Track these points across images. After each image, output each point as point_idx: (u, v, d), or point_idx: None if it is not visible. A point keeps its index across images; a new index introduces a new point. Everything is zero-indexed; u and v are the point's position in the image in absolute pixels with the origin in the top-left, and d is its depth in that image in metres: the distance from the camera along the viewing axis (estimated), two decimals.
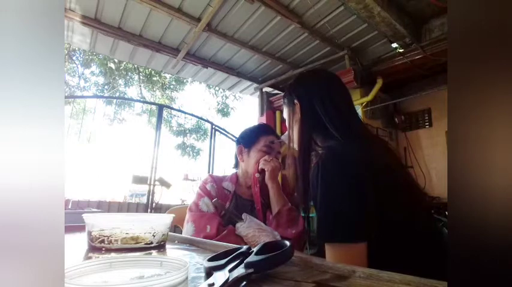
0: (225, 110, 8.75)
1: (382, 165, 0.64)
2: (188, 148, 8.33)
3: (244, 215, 0.91)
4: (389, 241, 0.56)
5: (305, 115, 0.74)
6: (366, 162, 0.60)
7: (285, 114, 0.83)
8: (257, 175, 1.05)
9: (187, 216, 0.99)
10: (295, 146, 0.76)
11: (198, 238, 0.72)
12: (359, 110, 2.72)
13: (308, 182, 0.65)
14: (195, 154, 8.36)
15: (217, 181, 1.09)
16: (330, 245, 0.56)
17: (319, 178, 0.59)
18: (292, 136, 0.77)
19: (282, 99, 0.86)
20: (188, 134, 8.45)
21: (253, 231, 0.85)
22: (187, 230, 0.96)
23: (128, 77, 8.01)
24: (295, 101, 0.76)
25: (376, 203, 0.56)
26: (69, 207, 3.01)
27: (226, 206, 1.04)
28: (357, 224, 0.55)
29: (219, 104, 8.79)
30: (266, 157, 1.04)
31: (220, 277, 0.35)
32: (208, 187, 1.05)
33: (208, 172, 4.00)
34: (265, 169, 1.03)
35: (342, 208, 0.56)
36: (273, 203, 1.04)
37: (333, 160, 0.60)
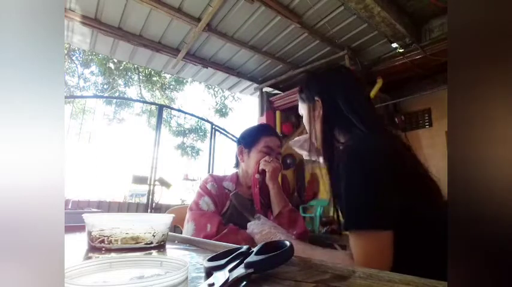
0: (223, 110, 8.74)
1: (404, 156, 0.65)
2: (188, 148, 8.32)
3: (257, 215, 0.89)
4: (409, 235, 0.56)
5: (327, 110, 0.74)
6: (389, 152, 0.61)
7: (303, 111, 0.83)
8: (257, 175, 1.04)
9: (188, 215, 0.99)
10: (318, 143, 0.77)
11: (198, 238, 0.72)
12: None
13: (333, 176, 0.66)
14: (194, 154, 8.35)
15: (217, 180, 1.09)
16: (356, 234, 0.57)
17: (345, 170, 0.59)
18: (313, 133, 0.77)
19: (297, 96, 0.85)
20: (188, 134, 8.44)
21: (269, 228, 0.83)
22: (188, 229, 0.96)
23: (128, 77, 8.00)
24: (316, 97, 0.76)
25: (398, 193, 0.57)
26: (69, 207, 3.00)
27: (227, 206, 1.04)
28: (382, 212, 0.56)
29: (217, 104, 8.79)
30: (266, 158, 1.04)
31: (220, 277, 0.35)
32: (208, 186, 1.06)
33: (209, 172, 4.00)
34: (266, 170, 1.03)
35: (366, 196, 0.56)
36: (273, 204, 1.04)
37: (356, 149, 0.61)
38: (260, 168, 1.04)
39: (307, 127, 0.80)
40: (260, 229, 0.84)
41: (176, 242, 0.70)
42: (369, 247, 0.55)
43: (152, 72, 7.71)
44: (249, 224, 0.88)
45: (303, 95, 0.82)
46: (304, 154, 0.88)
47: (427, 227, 0.58)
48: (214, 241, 0.67)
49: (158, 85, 8.31)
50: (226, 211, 1.03)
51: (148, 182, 3.35)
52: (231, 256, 0.41)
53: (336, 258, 0.63)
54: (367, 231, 0.56)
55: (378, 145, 0.62)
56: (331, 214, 2.58)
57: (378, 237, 0.55)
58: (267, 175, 1.03)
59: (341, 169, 0.60)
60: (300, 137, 0.92)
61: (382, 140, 0.65)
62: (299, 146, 0.90)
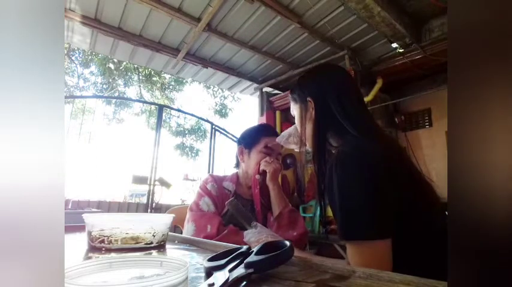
0: (223, 111, 8.73)
1: (399, 161, 0.63)
2: (187, 149, 8.32)
3: (253, 223, 0.87)
4: (407, 240, 0.55)
5: (319, 112, 0.72)
6: (384, 157, 0.59)
7: (295, 112, 0.80)
8: (257, 176, 1.04)
9: (188, 216, 0.99)
10: (309, 144, 0.74)
11: (198, 238, 0.72)
12: None
13: (324, 180, 0.64)
14: (193, 155, 8.35)
15: (217, 180, 1.09)
16: (353, 244, 0.55)
17: (337, 177, 0.57)
18: (304, 134, 0.75)
19: (289, 96, 0.83)
20: (187, 135, 8.44)
21: (266, 237, 0.81)
22: (188, 229, 0.96)
23: (128, 77, 8.00)
24: (308, 98, 0.74)
25: (395, 199, 0.55)
26: (69, 207, 3.01)
27: (227, 206, 1.04)
28: (380, 220, 0.54)
29: (216, 104, 8.78)
30: (267, 158, 1.04)
31: (220, 277, 0.35)
32: (208, 186, 1.05)
33: (209, 172, 4.00)
34: (267, 171, 1.03)
35: (363, 205, 0.54)
36: (274, 205, 1.03)
37: (350, 156, 0.59)
38: (261, 169, 1.04)
39: (299, 128, 0.78)
40: (257, 237, 0.81)
41: (176, 242, 0.70)
42: (367, 258, 0.53)
43: (152, 72, 7.71)
44: (245, 233, 0.85)
45: (295, 95, 0.80)
46: (293, 147, 0.85)
47: (425, 229, 0.57)
48: (214, 241, 0.67)
49: (158, 85, 8.31)
50: (227, 212, 1.03)
51: (148, 182, 3.35)
52: (231, 256, 0.41)
53: None
54: (364, 241, 0.54)
55: (371, 150, 0.60)
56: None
57: (376, 247, 0.53)
58: (268, 175, 1.03)
59: (334, 175, 0.58)
60: (283, 132, 0.89)
61: (375, 145, 0.63)
62: (285, 141, 0.88)
